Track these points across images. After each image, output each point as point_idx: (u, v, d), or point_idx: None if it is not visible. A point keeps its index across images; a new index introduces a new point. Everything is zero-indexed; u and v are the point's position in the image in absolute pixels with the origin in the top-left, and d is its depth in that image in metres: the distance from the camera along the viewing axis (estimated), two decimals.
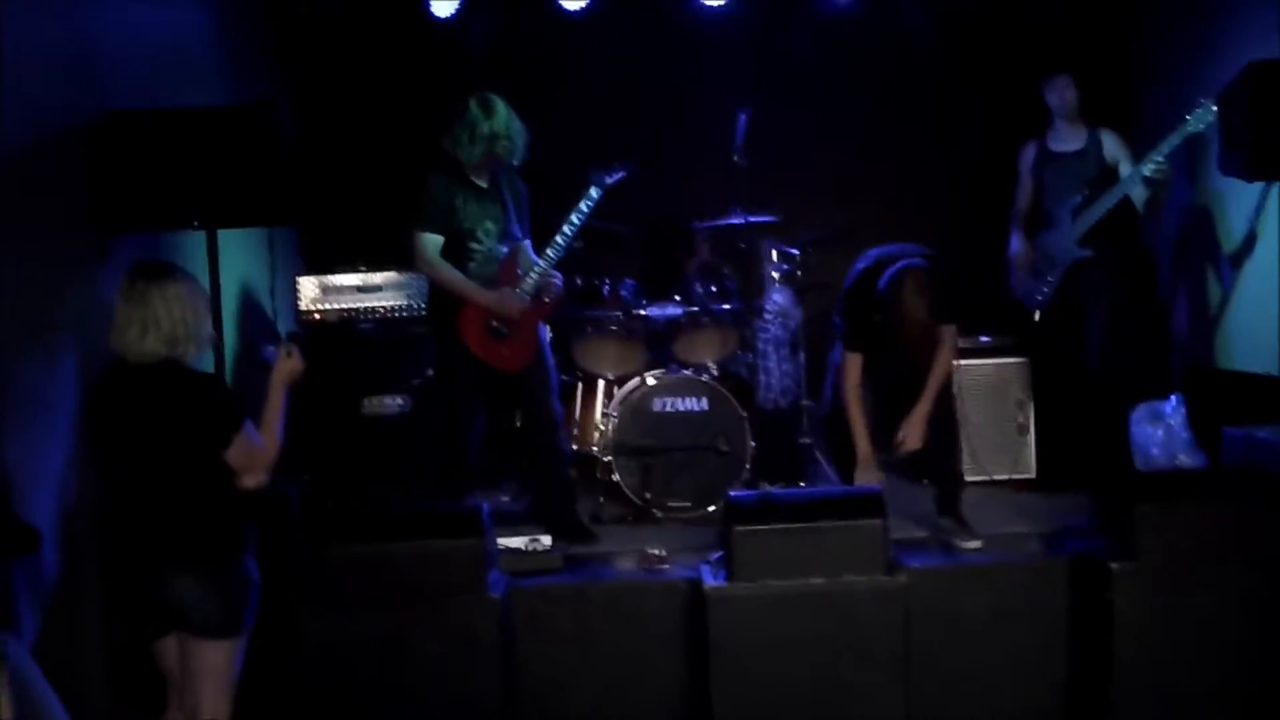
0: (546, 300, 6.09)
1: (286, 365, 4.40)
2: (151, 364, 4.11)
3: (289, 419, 4.37)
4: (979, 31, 7.78)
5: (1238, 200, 6.59)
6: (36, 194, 4.57)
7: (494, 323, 5.94)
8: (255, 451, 4.23)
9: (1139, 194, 6.51)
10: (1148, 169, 6.30)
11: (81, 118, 4.95)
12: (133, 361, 4.12)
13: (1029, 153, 6.99)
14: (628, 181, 6.10)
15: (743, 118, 6.81)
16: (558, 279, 6.09)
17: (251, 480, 4.25)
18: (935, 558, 5.64)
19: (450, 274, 5.90)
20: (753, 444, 6.53)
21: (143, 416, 4.12)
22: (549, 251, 5.97)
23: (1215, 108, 6.04)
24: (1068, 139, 6.85)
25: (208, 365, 5.04)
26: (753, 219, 6.93)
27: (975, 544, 5.76)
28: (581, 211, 5.98)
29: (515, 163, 5.99)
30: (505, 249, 6.01)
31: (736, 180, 6.73)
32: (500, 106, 5.87)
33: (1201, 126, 6.12)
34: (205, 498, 4.17)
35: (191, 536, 4.13)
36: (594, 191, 6.00)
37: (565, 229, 5.96)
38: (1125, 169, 6.63)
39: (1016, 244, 6.92)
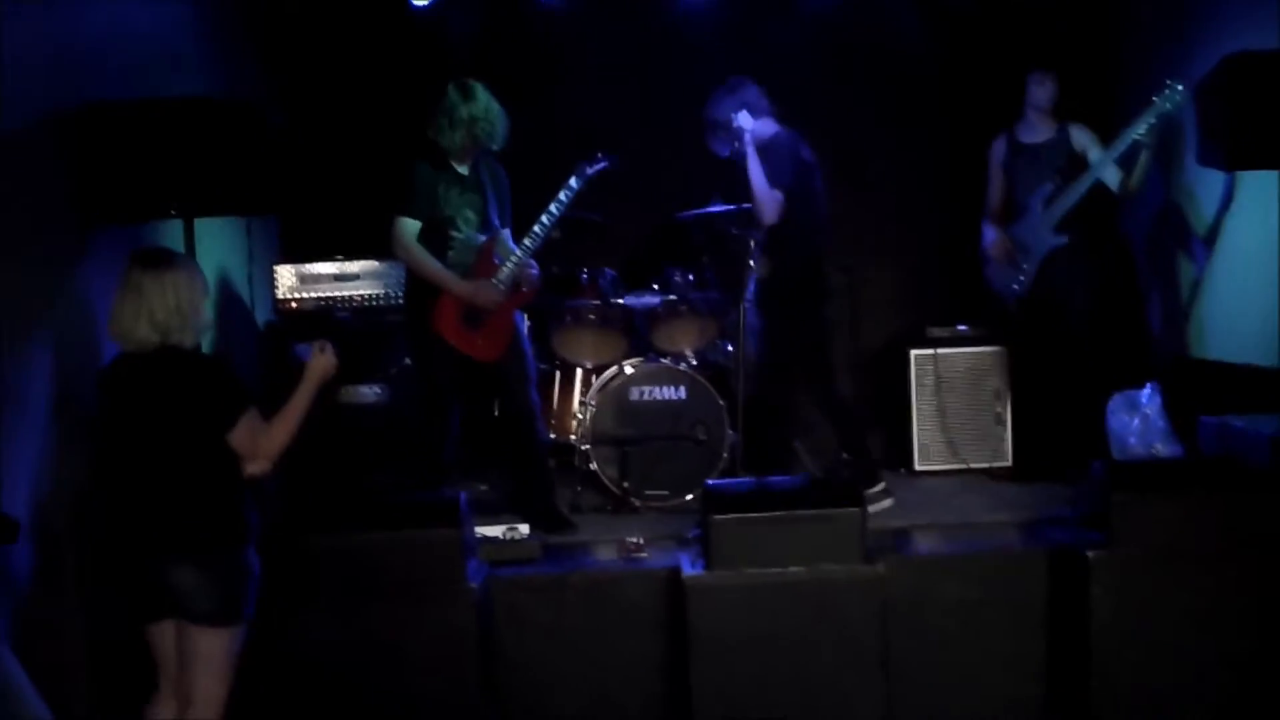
0: (524, 290, 6.08)
1: (321, 362, 4.45)
2: (152, 350, 4.16)
3: (266, 410, 4.38)
4: (961, 28, 7.77)
5: (1210, 191, 6.60)
6: (14, 187, 4.54)
7: (469, 312, 5.93)
8: (260, 437, 4.26)
9: (1112, 176, 6.52)
10: (1122, 147, 6.32)
11: (63, 112, 4.92)
12: (131, 349, 4.18)
13: (999, 147, 7.00)
14: (608, 171, 6.09)
15: None
16: (534, 268, 6.08)
17: (255, 467, 4.28)
18: (913, 546, 5.67)
19: (426, 261, 5.89)
20: (731, 433, 6.54)
21: (150, 400, 4.17)
22: (526, 241, 5.96)
23: (1181, 88, 6.07)
24: (1037, 130, 6.86)
25: None
26: (733, 208, 6.93)
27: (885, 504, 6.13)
28: (561, 201, 5.97)
29: (496, 148, 5.98)
30: (484, 238, 6.00)
31: (718, 170, 6.71)
32: (479, 91, 5.86)
33: (1169, 106, 6.14)
34: (209, 484, 4.20)
35: (194, 523, 4.17)
36: (574, 181, 5.99)
37: (544, 218, 5.95)
38: (1095, 155, 6.65)
39: (991, 235, 6.94)
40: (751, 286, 6.42)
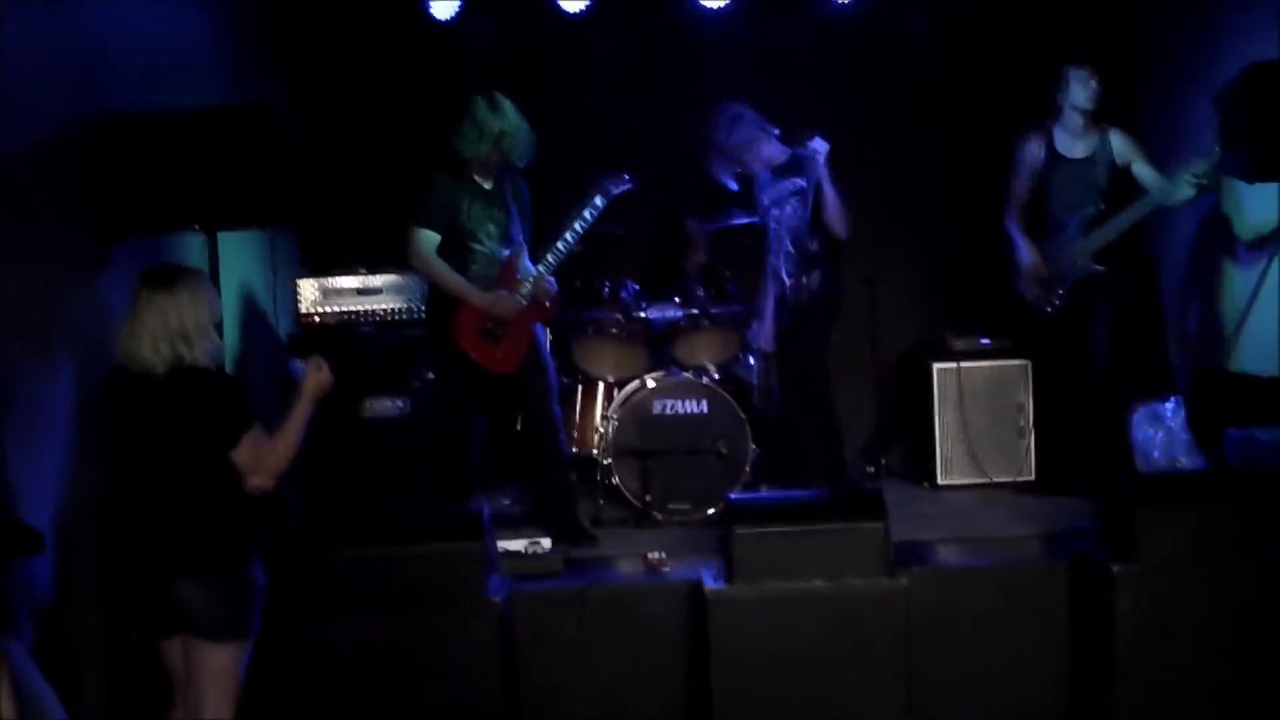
0: (547, 305, 6.09)
1: (317, 378, 4.44)
2: (157, 367, 4.14)
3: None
4: (978, 30, 7.74)
5: (1253, 204, 6.50)
6: (34, 198, 4.55)
7: (488, 324, 5.94)
8: (264, 454, 4.25)
9: (1180, 198, 6.31)
10: (1189, 179, 6.16)
11: (79, 120, 4.93)
12: (135, 367, 4.16)
13: (1032, 148, 6.76)
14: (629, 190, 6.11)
15: None
16: (554, 284, 6.08)
17: (257, 482, 4.26)
18: (936, 560, 5.65)
19: (444, 272, 5.90)
20: (753, 447, 6.52)
21: (153, 415, 4.16)
22: (549, 257, 5.98)
23: None
24: (1076, 141, 6.67)
25: None
26: (754, 220, 6.91)
27: None
28: (585, 219, 5.98)
29: (521, 164, 5.99)
30: (506, 252, 6.01)
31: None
32: (507, 105, 5.89)
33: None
34: (212, 500, 4.19)
35: (197, 539, 4.16)
36: (599, 200, 6.00)
37: (567, 235, 5.96)
38: (1143, 171, 6.51)
39: (1027, 256, 6.74)
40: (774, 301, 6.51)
